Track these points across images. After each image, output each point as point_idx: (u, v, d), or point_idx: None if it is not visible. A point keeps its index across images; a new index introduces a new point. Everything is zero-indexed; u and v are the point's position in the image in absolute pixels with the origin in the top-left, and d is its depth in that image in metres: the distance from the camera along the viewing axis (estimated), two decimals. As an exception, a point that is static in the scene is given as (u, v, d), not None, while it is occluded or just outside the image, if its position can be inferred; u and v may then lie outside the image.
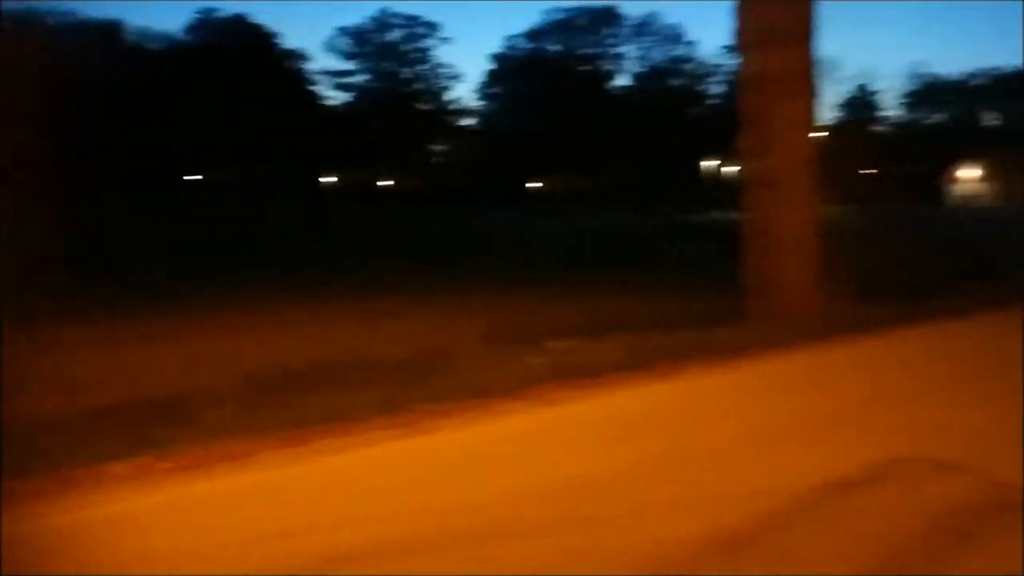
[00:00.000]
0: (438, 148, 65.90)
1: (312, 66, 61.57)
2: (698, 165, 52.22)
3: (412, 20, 63.60)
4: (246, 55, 53.32)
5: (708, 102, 57.64)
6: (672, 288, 10.39)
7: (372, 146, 53.17)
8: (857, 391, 5.88)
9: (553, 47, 61.33)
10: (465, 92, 78.91)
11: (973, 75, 63.65)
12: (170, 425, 4.37)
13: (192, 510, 3.56)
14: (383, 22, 63.26)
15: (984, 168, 48.98)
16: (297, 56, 60.34)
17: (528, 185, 55.33)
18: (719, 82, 57.75)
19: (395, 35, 63.82)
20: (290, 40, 65.30)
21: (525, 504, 3.59)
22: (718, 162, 48.44)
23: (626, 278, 11.52)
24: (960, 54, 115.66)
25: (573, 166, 50.97)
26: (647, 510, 3.58)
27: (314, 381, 5.43)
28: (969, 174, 49.79)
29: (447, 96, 65.26)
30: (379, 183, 58.57)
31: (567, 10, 61.14)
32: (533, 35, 62.32)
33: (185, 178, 50.96)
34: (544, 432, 4.84)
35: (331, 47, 63.31)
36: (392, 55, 63.65)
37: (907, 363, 6.94)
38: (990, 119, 63.37)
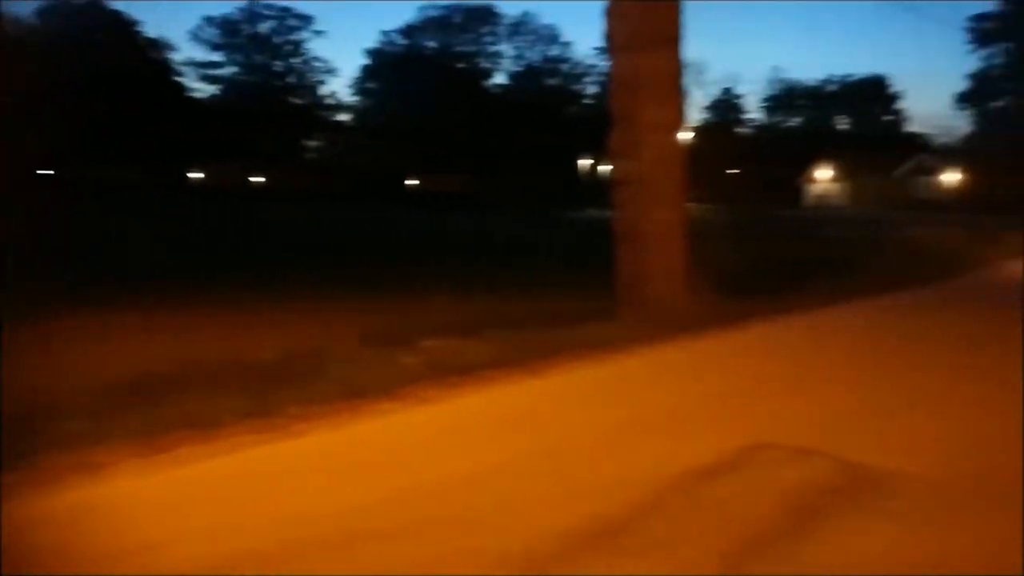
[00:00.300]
0: (313, 144, 64.40)
1: (177, 57, 58.95)
2: (575, 164, 53.24)
3: (284, 12, 62.00)
4: (104, 43, 50.32)
5: (584, 102, 58.85)
6: (548, 286, 10.54)
7: (243, 141, 51.32)
8: (720, 382, 6.16)
9: (429, 44, 61.15)
10: (340, 87, 77.46)
11: (828, 80, 67.86)
12: (22, 437, 4.05)
13: (38, 528, 3.31)
14: (253, 12, 61.35)
15: (837, 169, 52.16)
16: (162, 46, 57.60)
17: (408, 183, 54.86)
18: (594, 82, 59.19)
19: (266, 27, 61.97)
20: (152, 29, 62.31)
21: (399, 505, 3.54)
22: (594, 161, 49.55)
23: (504, 277, 11.60)
24: (817, 60, 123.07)
25: (452, 164, 50.94)
26: (522, 505, 3.61)
27: (179, 385, 5.17)
28: (824, 175, 52.91)
29: (322, 91, 64.02)
30: (252, 180, 56.62)
31: (443, 7, 61.13)
32: (409, 31, 61.98)
33: (39, 173, 47.50)
34: (418, 431, 4.80)
35: (197, 37, 60.87)
36: (264, 47, 61.76)
37: (767, 354, 7.32)
38: (843, 123, 67.64)
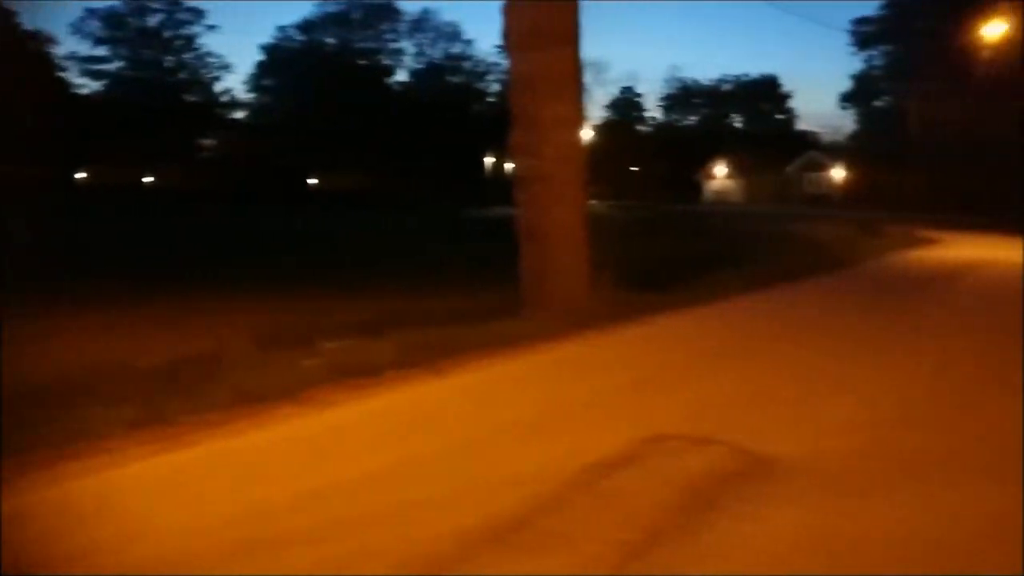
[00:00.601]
0: (208, 143, 62.23)
1: (60, 51, 55.84)
2: (481, 161, 53.31)
3: (174, 5, 59.63)
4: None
5: (488, 99, 58.93)
6: (454, 284, 10.52)
7: (133, 139, 49.10)
8: (623, 375, 6.26)
9: (328, 40, 59.94)
10: (236, 84, 75.10)
11: (723, 80, 70.13)
12: None
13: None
14: (141, 5, 58.76)
15: (733, 166, 54.02)
16: (43, 38, 54.46)
17: (309, 182, 53.67)
18: (497, 80, 59.35)
19: (155, 20, 59.52)
20: (30, 20, 58.79)
21: (300, 511, 3.46)
22: (499, 159, 49.69)
23: (409, 276, 11.51)
24: (712, 60, 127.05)
25: (355, 163, 50.13)
26: (423, 506, 3.58)
27: (63, 396, 4.90)
28: (721, 172, 54.69)
29: (217, 88, 61.92)
30: (144, 180, 54.29)
31: (341, 2, 59.97)
32: (306, 27, 60.55)
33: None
34: (320, 436, 4.69)
35: (80, 31, 57.88)
36: (152, 42, 59.30)
37: (668, 347, 7.50)
38: (737, 121, 70.05)
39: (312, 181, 53.32)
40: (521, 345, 7.02)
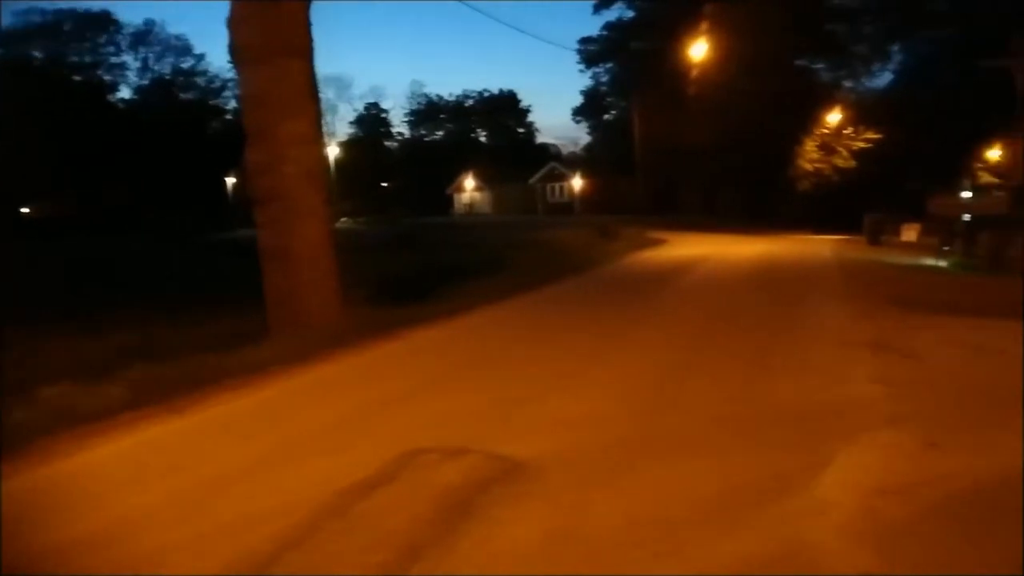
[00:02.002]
0: None
1: None
2: (222, 181, 50.49)
3: None
4: None
5: (227, 116, 55.92)
6: (198, 311, 9.78)
7: None
8: (374, 393, 6.16)
9: (35, 53, 53.73)
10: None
11: (466, 95, 72.19)
12: None
13: None
14: None
15: (481, 179, 55.62)
16: None
17: (24, 210, 47.83)
18: (236, 96, 56.52)
19: None
20: None
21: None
22: (239, 178, 47.36)
23: (147, 306, 10.55)
24: (454, 76, 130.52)
25: (77, 186, 45.43)
26: (167, 552, 3.30)
27: None
28: (470, 184, 56.11)
29: None
30: None
31: (49, 12, 54.00)
32: (6, 38, 53.85)
33: None
34: (39, 492, 4.15)
35: None
36: None
37: (417, 362, 7.45)
38: (483, 135, 72.36)
39: (25, 209, 47.61)
40: (269, 371, 6.69)
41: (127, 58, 58.10)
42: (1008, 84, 9.95)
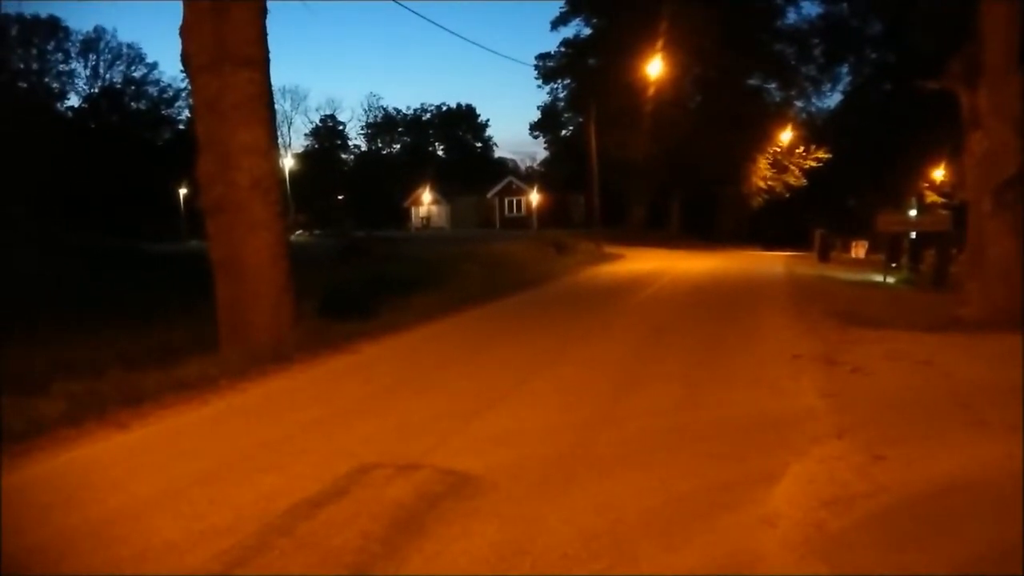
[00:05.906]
0: None
1: None
2: (175, 192, 49.57)
3: None
4: None
5: (180, 126, 54.94)
6: (145, 324, 9.54)
7: None
8: (324, 408, 6.04)
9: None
10: None
11: (423, 109, 72.09)
12: None
13: None
14: None
15: (438, 192, 55.48)
16: None
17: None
18: (188, 105, 55.57)
19: None
20: None
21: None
22: (192, 189, 46.54)
23: (96, 318, 10.24)
24: (411, 89, 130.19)
25: (21, 198, 44.19)
26: (110, 571, 3.19)
27: None
28: (427, 198, 55.90)
29: None
30: None
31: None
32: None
33: None
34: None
35: None
36: None
37: (367, 376, 7.31)
38: (440, 148, 72.29)
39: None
40: (218, 385, 6.56)
41: (76, 65, 56.88)
42: (954, 104, 10.23)
